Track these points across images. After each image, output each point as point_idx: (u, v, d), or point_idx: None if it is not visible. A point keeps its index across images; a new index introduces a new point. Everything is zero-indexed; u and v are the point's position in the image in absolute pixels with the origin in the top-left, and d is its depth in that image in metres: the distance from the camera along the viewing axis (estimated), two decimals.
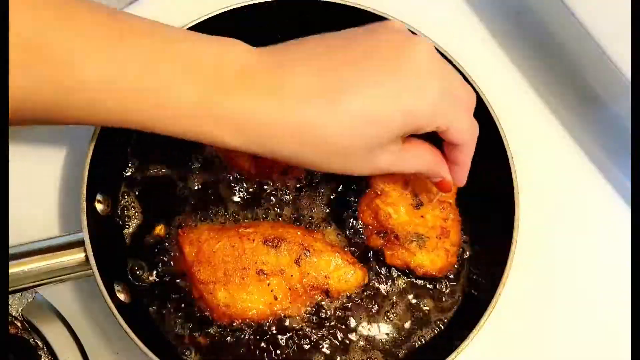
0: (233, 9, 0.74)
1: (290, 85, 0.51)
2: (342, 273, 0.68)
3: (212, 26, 0.74)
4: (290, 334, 0.69)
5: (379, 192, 0.71)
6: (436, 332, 0.71)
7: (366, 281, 0.70)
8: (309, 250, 0.67)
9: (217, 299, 0.66)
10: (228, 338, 0.68)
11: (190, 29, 0.73)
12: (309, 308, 0.69)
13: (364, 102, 0.51)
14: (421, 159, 0.60)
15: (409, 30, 0.57)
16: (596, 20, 0.74)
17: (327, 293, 0.68)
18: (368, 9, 0.76)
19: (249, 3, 0.75)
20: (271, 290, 0.66)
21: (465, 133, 0.58)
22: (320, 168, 0.55)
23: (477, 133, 0.60)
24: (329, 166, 0.55)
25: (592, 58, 0.77)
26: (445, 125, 0.55)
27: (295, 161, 0.54)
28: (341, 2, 0.76)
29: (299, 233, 0.68)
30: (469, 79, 0.73)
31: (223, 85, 0.50)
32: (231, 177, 0.74)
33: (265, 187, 0.74)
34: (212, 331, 0.68)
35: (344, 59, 0.52)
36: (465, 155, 0.60)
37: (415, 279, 0.72)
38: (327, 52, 0.53)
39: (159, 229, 0.71)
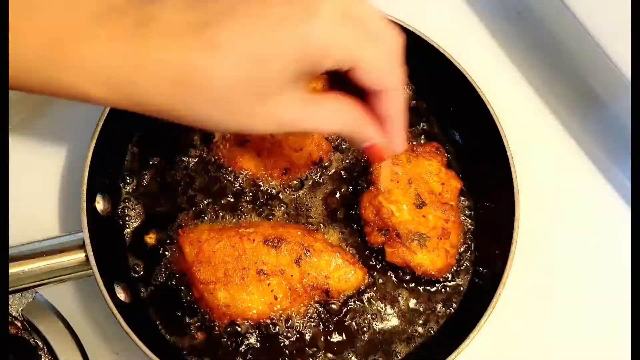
0: None
1: (158, 21, 0.42)
2: (342, 273, 0.68)
3: None
4: (290, 333, 0.69)
5: (382, 189, 0.71)
6: (436, 332, 0.71)
7: (366, 281, 0.70)
8: (309, 250, 0.67)
9: (217, 299, 0.66)
10: (228, 338, 0.68)
11: None
12: (310, 308, 0.69)
13: (246, 35, 0.42)
14: (339, 114, 0.48)
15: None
16: (596, 20, 0.74)
17: (327, 293, 0.68)
18: None
19: None
20: (271, 291, 0.66)
21: (384, 72, 0.47)
22: (205, 124, 0.46)
23: (402, 75, 0.49)
24: (214, 120, 0.45)
25: (592, 58, 0.77)
26: (350, 59, 0.45)
27: (175, 115, 0.45)
28: None
29: (299, 233, 0.68)
30: (469, 78, 0.74)
31: (77, 26, 0.42)
32: (231, 178, 0.74)
33: (265, 187, 0.74)
34: (212, 331, 0.68)
35: None
36: (393, 106, 0.49)
37: (415, 279, 0.72)
38: None
39: (150, 237, 0.71)
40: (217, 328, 0.68)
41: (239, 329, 0.68)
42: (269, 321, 0.68)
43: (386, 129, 0.50)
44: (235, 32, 0.42)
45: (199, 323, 0.68)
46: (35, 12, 0.42)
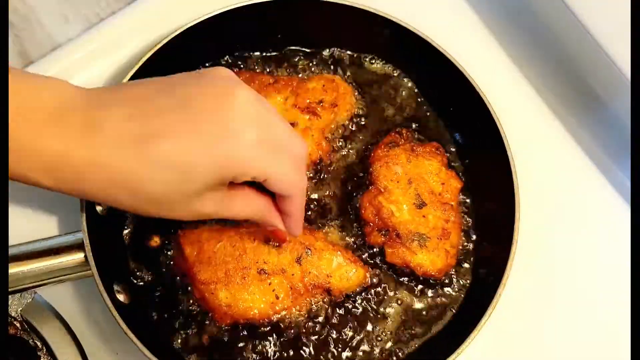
0: (233, 9, 0.74)
1: (104, 128, 0.49)
2: (343, 272, 0.68)
3: (213, 26, 0.74)
4: (292, 333, 0.68)
5: (382, 190, 0.71)
6: (436, 332, 0.71)
7: (367, 280, 0.70)
8: (310, 249, 0.67)
9: (218, 299, 0.66)
10: (229, 338, 0.68)
11: (190, 28, 0.73)
12: (311, 307, 0.69)
13: (175, 150, 0.49)
14: (249, 207, 0.58)
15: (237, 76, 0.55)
16: (596, 20, 0.74)
17: (328, 292, 0.68)
18: (368, 9, 0.76)
19: (249, 3, 0.75)
20: (272, 290, 0.66)
21: (288, 184, 0.56)
22: (139, 213, 0.53)
23: (304, 184, 0.58)
24: (148, 212, 0.53)
25: (592, 58, 0.77)
26: (262, 175, 0.53)
27: (114, 205, 0.52)
28: (342, 2, 0.76)
29: None
30: (469, 78, 0.74)
31: (34, 124, 0.48)
32: None
33: None
34: (212, 331, 0.68)
35: (164, 104, 0.51)
36: (294, 207, 0.59)
37: (415, 279, 0.72)
38: (151, 96, 0.51)
39: (155, 241, 0.71)
40: (217, 328, 0.68)
41: (240, 329, 0.68)
42: (270, 321, 0.68)
43: (286, 222, 0.61)
44: (170, 151, 0.49)
45: (198, 323, 0.68)
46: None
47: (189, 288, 0.69)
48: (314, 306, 0.69)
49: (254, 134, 0.51)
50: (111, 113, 0.50)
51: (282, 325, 0.68)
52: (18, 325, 0.67)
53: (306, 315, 0.69)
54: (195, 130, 0.50)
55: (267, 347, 0.68)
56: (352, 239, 0.73)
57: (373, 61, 0.82)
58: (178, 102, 0.51)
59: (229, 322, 0.67)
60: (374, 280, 0.71)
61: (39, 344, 0.67)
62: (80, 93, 0.51)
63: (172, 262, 0.70)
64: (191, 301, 0.69)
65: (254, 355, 0.68)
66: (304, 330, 0.69)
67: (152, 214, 0.53)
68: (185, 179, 0.50)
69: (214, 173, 0.51)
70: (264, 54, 0.81)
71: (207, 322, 0.68)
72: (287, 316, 0.68)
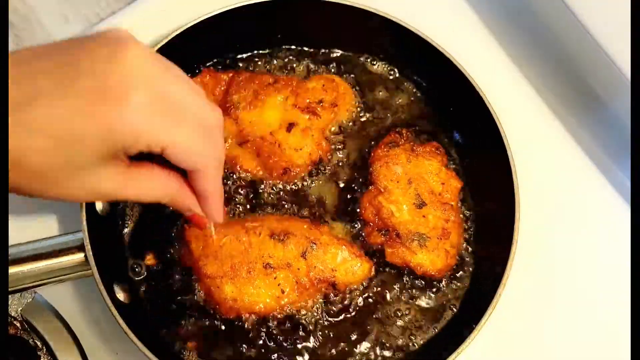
0: (233, 9, 0.74)
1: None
2: (348, 266, 0.68)
3: (213, 26, 0.74)
4: (298, 327, 0.68)
5: (382, 190, 0.71)
6: (436, 331, 0.71)
7: (372, 274, 0.70)
8: (315, 244, 0.67)
9: (224, 293, 0.66)
10: (231, 335, 0.68)
11: (190, 28, 0.73)
12: (317, 301, 0.69)
13: (50, 117, 0.43)
14: (157, 186, 0.50)
15: (130, 37, 0.47)
16: (596, 20, 0.74)
17: (334, 286, 0.68)
18: (369, 9, 0.76)
19: (249, 3, 0.75)
20: (278, 284, 0.66)
21: (191, 154, 0.48)
22: (26, 193, 0.47)
23: (216, 156, 0.50)
24: (35, 190, 0.46)
25: (592, 58, 0.77)
26: (157, 144, 0.46)
27: None
28: (342, 2, 0.76)
29: (305, 226, 0.68)
30: (469, 78, 0.74)
31: None
32: (235, 176, 0.74)
33: (267, 186, 0.74)
34: (212, 332, 0.68)
35: (41, 67, 0.44)
36: (208, 184, 0.51)
37: (416, 279, 0.72)
38: (31, 59, 0.45)
39: (149, 259, 0.71)
40: (219, 327, 0.68)
41: (243, 326, 0.68)
42: (276, 315, 0.68)
43: (202, 204, 0.53)
44: (44, 117, 0.43)
45: (199, 319, 0.68)
46: None
47: (190, 287, 0.69)
48: (319, 301, 0.69)
49: (144, 96, 0.44)
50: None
51: (287, 320, 0.68)
52: (18, 325, 0.67)
53: (311, 310, 0.69)
54: (73, 94, 0.43)
55: (270, 343, 0.68)
56: (352, 239, 0.72)
57: (374, 62, 0.82)
58: (56, 65, 0.44)
59: (235, 316, 0.67)
60: (375, 280, 0.71)
61: (39, 343, 0.67)
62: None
63: (171, 261, 0.70)
64: (191, 301, 0.69)
65: (256, 351, 0.68)
66: (307, 325, 0.69)
67: (39, 192, 0.47)
68: (65, 148, 0.44)
69: (98, 142, 0.44)
70: (264, 53, 0.81)
71: (207, 322, 0.68)
72: (293, 310, 0.68)
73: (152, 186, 0.50)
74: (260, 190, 0.74)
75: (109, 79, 0.44)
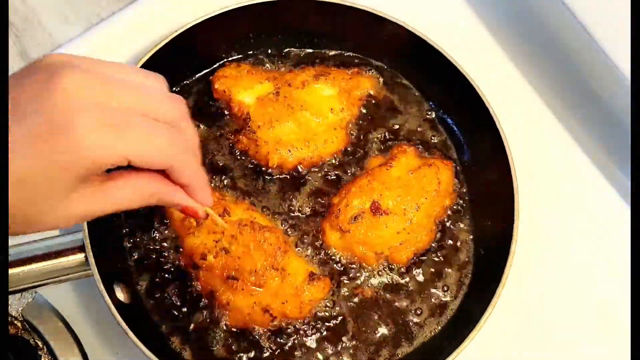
0: (233, 9, 0.74)
1: None
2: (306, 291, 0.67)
3: (213, 26, 0.74)
4: (288, 337, 0.68)
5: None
6: (436, 332, 0.71)
7: (330, 289, 0.70)
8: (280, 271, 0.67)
9: (222, 304, 0.66)
10: (229, 339, 0.68)
11: (191, 28, 0.73)
12: (312, 311, 0.69)
13: (14, 161, 0.42)
14: (137, 192, 0.49)
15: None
16: (596, 20, 0.74)
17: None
18: (369, 10, 0.76)
19: (249, 3, 0.75)
20: (265, 304, 0.66)
21: (161, 155, 0.47)
22: (17, 234, 0.46)
23: (187, 145, 0.49)
24: (16, 231, 0.46)
25: (592, 58, 0.77)
26: (122, 159, 0.45)
27: None
28: (342, 3, 0.76)
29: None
30: (469, 78, 0.74)
31: None
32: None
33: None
34: (212, 331, 0.68)
35: None
36: (188, 173, 0.50)
37: (415, 279, 0.72)
38: None
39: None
40: (217, 329, 0.68)
41: (240, 332, 0.68)
42: (268, 327, 0.68)
43: (190, 194, 0.51)
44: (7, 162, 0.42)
45: (198, 323, 0.69)
46: None
47: (189, 288, 0.69)
48: (317, 309, 0.69)
49: (89, 117, 0.43)
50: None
51: (279, 331, 0.68)
52: (19, 324, 0.67)
53: (305, 321, 0.69)
54: (23, 136, 0.42)
55: (264, 353, 0.68)
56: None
57: (375, 62, 0.82)
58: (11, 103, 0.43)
59: (234, 325, 0.68)
60: (372, 280, 0.71)
61: (39, 343, 0.67)
62: None
63: (171, 262, 0.70)
64: (191, 301, 0.69)
65: (251, 355, 0.68)
66: (301, 334, 0.69)
67: (21, 231, 0.46)
68: (30, 188, 0.43)
69: (60, 175, 0.43)
70: (264, 53, 0.81)
71: (207, 322, 0.68)
72: (283, 323, 0.68)
73: (129, 194, 0.48)
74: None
75: (51, 112, 0.43)
